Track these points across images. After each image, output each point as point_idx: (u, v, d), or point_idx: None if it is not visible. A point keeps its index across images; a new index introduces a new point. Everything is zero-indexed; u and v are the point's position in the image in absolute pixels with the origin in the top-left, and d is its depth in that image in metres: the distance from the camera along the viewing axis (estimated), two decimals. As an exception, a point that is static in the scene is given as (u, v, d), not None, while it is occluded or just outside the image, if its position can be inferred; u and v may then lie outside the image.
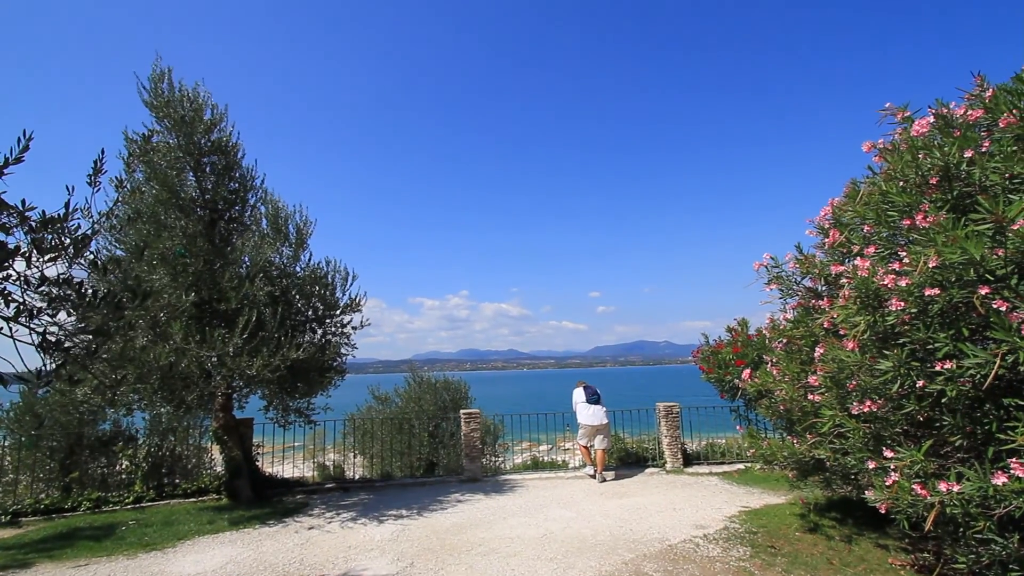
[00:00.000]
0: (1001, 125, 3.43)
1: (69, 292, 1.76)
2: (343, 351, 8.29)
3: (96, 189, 2.08)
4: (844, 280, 3.80)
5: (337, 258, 8.42)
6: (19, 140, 1.97)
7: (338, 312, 8.19)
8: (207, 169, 7.41)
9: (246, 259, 7.52)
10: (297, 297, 7.94)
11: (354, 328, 8.37)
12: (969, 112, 3.68)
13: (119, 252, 7.00)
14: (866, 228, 3.92)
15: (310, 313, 8.12)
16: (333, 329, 8.22)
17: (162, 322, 4.86)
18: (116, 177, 2.34)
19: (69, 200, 1.58)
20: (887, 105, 4.29)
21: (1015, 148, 3.34)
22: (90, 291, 1.81)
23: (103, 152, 1.97)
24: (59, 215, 1.55)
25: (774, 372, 4.99)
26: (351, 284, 8.28)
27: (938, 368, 3.09)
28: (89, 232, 1.68)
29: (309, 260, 8.10)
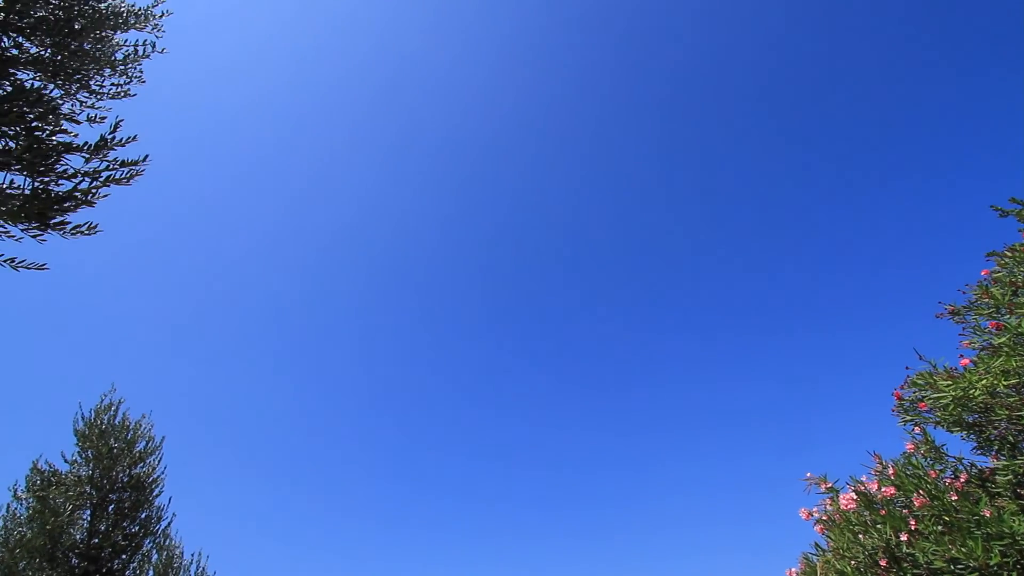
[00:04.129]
0: (916, 504, 3.69)
1: None
2: None
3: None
4: None
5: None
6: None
7: None
8: (110, 508, 6.54)
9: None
10: None
11: None
12: (883, 489, 4.00)
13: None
14: (838, 617, 3.63)
15: None
16: None
17: None
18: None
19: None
20: (807, 475, 4.66)
21: (941, 529, 3.51)
22: None
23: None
24: None
25: None
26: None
27: None
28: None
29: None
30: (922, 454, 4.09)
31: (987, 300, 3.68)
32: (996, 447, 4.00)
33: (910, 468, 3.87)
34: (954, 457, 4.02)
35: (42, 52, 2.50)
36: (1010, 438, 3.72)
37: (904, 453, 4.20)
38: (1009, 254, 3.65)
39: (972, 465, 4.02)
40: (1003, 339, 3.43)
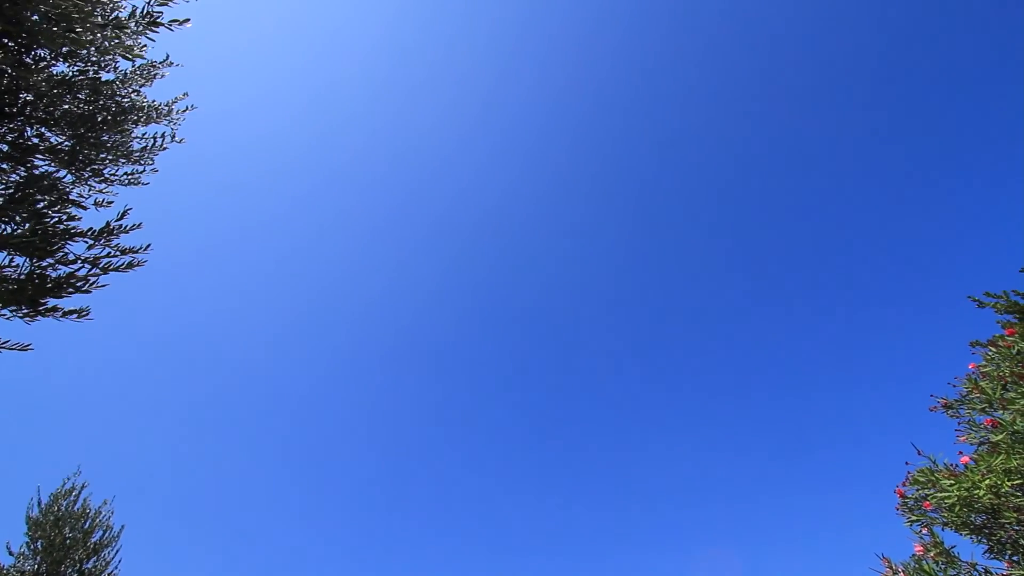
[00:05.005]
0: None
1: None
2: None
3: None
4: None
5: None
6: None
7: None
8: (53, 610, 5.87)
9: None
10: None
11: None
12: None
13: None
14: None
15: None
16: None
17: None
18: None
19: None
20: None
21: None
22: None
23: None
24: None
25: None
26: None
27: None
28: None
29: None
30: (932, 557, 3.88)
31: (978, 395, 3.68)
32: (1009, 551, 3.82)
33: (922, 574, 3.66)
34: (967, 562, 3.82)
35: (63, 143, 2.63)
36: (1022, 542, 3.56)
37: (913, 556, 3.99)
38: (993, 349, 3.71)
39: (987, 571, 3.82)
40: (1000, 436, 3.39)
